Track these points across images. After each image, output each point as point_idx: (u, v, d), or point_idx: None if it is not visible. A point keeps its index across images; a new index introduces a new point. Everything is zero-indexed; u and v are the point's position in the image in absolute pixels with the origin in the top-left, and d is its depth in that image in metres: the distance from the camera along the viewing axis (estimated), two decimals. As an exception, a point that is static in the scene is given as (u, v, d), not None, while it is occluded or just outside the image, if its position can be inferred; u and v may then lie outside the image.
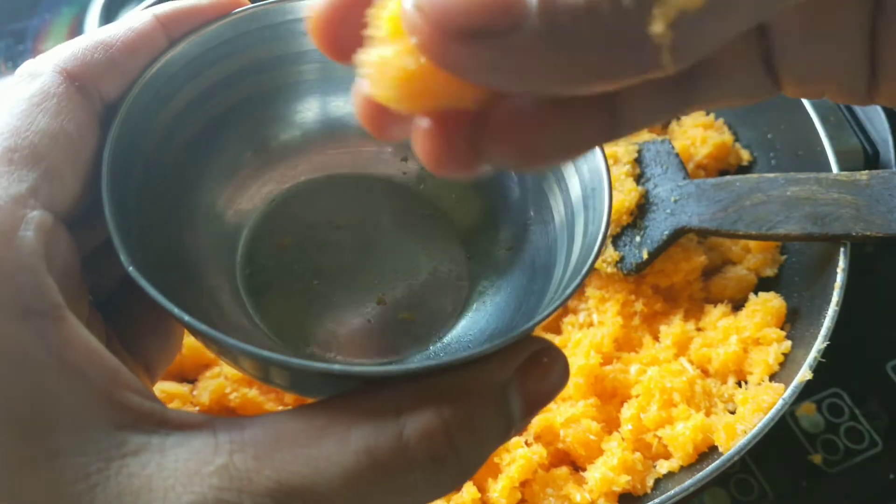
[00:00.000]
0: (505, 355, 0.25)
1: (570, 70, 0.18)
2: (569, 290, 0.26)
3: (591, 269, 0.27)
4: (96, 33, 0.28)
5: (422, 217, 0.35)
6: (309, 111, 0.34)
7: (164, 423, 0.23)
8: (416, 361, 0.31)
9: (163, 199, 0.30)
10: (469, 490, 0.49)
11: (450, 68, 0.19)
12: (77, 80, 0.27)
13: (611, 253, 0.57)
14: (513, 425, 0.26)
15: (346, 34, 0.22)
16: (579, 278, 0.27)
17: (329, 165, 0.35)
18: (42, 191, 0.25)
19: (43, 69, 0.27)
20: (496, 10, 0.17)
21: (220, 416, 0.25)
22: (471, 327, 0.32)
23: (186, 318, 0.24)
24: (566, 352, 0.56)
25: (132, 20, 0.29)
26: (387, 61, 0.19)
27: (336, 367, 0.24)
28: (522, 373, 0.25)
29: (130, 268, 0.24)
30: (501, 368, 0.25)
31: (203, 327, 0.24)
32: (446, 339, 0.32)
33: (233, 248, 0.33)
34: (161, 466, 0.22)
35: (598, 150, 0.29)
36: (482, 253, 0.34)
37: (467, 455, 0.24)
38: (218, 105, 0.32)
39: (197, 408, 0.53)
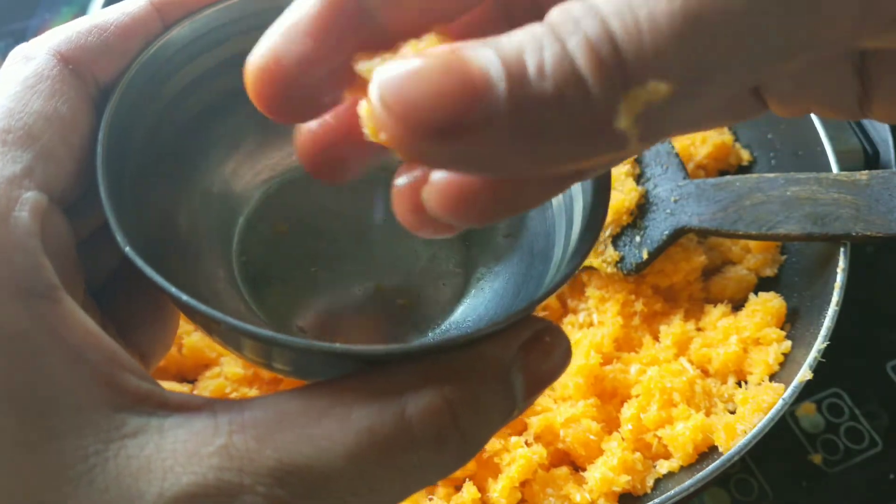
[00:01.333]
0: (507, 335, 0.25)
1: (540, 157, 0.18)
2: (568, 270, 0.26)
3: (592, 247, 0.27)
4: (90, 17, 0.28)
5: None
6: None
7: (164, 404, 0.23)
8: (435, 338, 0.31)
9: (158, 183, 0.30)
10: (469, 490, 0.49)
11: (422, 162, 0.19)
12: (71, 62, 0.27)
13: (611, 253, 0.58)
14: (516, 405, 0.25)
15: (290, 96, 0.23)
16: (579, 258, 0.26)
17: None
18: (37, 172, 0.24)
19: (37, 52, 0.27)
20: (464, 105, 0.17)
21: (220, 399, 0.24)
22: (469, 313, 0.32)
23: (185, 298, 0.24)
24: (566, 352, 0.56)
25: (127, 5, 0.29)
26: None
27: (338, 346, 0.24)
28: (525, 352, 0.25)
29: (127, 248, 0.24)
30: (504, 347, 0.25)
31: (203, 308, 0.24)
32: (445, 326, 0.32)
33: (228, 235, 0.32)
34: (160, 447, 0.22)
35: None
36: (480, 239, 0.34)
37: (471, 434, 0.24)
38: (214, 90, 0.32)
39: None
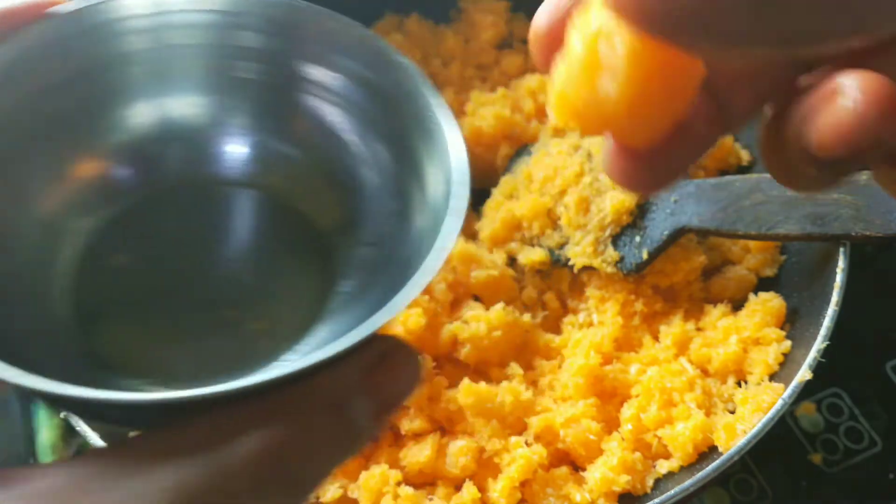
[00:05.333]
0: (346, 362, 0.23)
1: (786, 30, 0.16)
2: (413, 291, 0.24)
3: (442, 262, 0.24)
4: None
5: (271, 219, 0.32)
6: (141, 116, 0.31)
7: None
8: (257, 375, 0.27)
9: None
10: (469, 490, 0.49)
11: (650, 29, 0.17)
12: None
13: (611, 253, 0.58)
14: (361, 433, 0.24)
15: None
16: (429, 275, 0.24)
17: (167, 173, 0.32)
18: None
19: None
20: None
21: (8, 470, 0.21)
22: (335, 334, 0.29)
23: None
24: (566, 352, 0.56)
25: None
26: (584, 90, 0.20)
27: (135, 396, 0.21)
28: (369, 376, 0.23)
29: None
30: (341, 376, 0.23)
31: None
32: (306, 349, 0.29)
33: (64, 269, 0.29)
34: None
35: (459, 135, 0.27)
36: (341, 251, 0.31)
37: (303, 474, 0.22)
38: (38, 115, 0.29)
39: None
